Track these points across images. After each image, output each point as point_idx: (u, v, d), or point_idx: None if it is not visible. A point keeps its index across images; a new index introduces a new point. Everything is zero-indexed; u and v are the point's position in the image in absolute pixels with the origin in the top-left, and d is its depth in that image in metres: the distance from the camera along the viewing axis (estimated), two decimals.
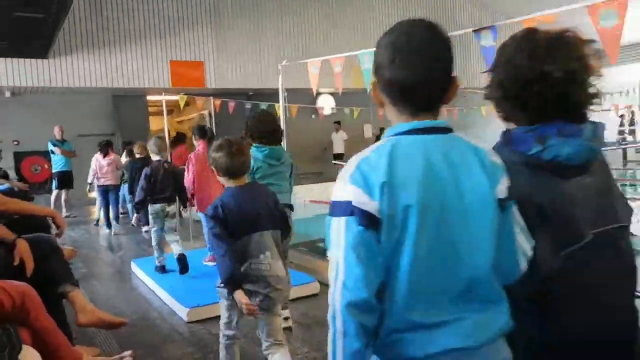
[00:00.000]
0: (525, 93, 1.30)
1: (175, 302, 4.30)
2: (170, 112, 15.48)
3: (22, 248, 2.72)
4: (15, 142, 12.92)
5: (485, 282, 1.18)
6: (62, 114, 12.64)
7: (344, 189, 1.14)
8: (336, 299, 1.11)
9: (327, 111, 15.32)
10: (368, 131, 16.14)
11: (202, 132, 6.11)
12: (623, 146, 14.22)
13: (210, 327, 3.78)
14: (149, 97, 14.43)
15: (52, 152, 10.20)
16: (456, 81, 1.21)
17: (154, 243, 5.37)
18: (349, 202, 1.11)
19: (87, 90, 12.90)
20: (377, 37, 1.24)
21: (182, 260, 4.96)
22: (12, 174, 10.87)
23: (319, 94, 14.79)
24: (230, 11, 13.78)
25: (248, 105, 10.58)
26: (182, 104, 11.88)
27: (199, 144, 5.97)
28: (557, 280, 1.26)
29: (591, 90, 1.31)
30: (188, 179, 5.65)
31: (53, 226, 3.39)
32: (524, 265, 1.24)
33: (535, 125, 1.30)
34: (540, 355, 1.29)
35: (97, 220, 9.44)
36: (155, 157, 5.45)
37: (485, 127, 17.15)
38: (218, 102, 9.70)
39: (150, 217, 5.38)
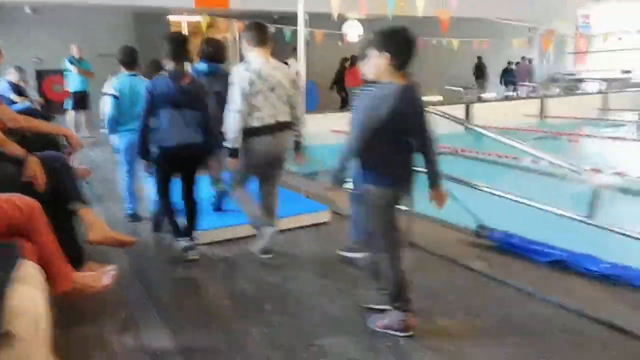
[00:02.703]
0: None
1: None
2: (192, 34, 15.27)
3: (33, 164, 2.73)
4: (38, 60, 12.88)
5: None
6: (83, 32, 12.49)
7: None
8: None
9: (353, 38, 14.85)
10: None
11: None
12: None
13: (218, 250, 3.85)
14: (171, 18, 14.15)
15: (69, 71, 10.13)
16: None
17: None
18: None
19: (107, 8, 12.65)
20: None
21: None
22: (33, 92, 10.89)
23: (345, 19, 14.32)
24: None
25: (272, 30, 10.29)
26: (204, 27, 11.66)
27: None
28: None
29: None
30: None
31: (67, 145, 3.40)
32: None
33: None
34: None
35: None
36: None
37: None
38: (241, 25, 9.49)
39: None
